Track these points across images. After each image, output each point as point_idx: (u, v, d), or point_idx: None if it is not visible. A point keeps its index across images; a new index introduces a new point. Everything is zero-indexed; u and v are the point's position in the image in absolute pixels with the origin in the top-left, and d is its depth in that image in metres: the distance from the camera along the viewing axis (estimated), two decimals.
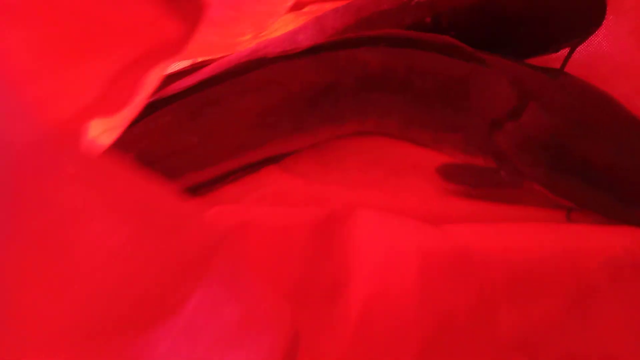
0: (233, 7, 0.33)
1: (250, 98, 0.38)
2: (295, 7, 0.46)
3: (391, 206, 0.37)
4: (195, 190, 0.38)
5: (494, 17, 0.38)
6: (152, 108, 0.37)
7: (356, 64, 0.38)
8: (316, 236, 0.32)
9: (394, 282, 0.30)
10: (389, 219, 0.33)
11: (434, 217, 0.35)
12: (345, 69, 0.38)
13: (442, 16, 0.39)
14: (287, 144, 0.40)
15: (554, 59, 0.41)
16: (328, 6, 0.44)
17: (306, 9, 0.46)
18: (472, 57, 0.36)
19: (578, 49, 0.40)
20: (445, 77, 0.37)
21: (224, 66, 0.39)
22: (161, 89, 0.39)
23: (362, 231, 0.32)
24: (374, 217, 0.33)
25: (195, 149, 0.38)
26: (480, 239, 0.31)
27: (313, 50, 0.37)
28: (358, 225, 0.32)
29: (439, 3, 0.39)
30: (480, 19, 0.39)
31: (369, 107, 0.39)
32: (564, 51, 0.41)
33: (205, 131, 0.38)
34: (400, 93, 0.38)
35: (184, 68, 0.42)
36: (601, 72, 0.39)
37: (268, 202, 0.38)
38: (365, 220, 0.33)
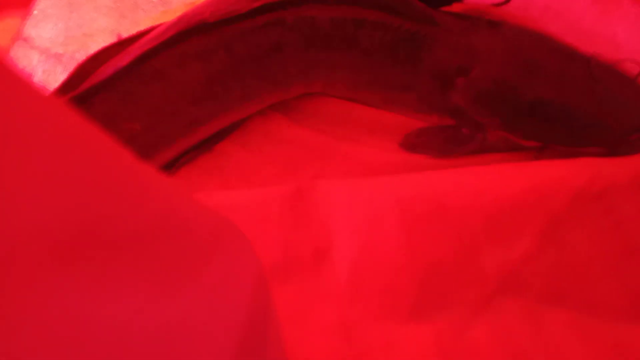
0: None
1: (194, 67, 0.34)
2: None
3: (359, 161, 0.36)
4: None
5: None
6: (79, 101, 0.32)
7: (304, 21, 0.35)
8: (289, 210, 0.31)
9: (378, 237, 0.30)
10: (359, 180, 0.33)
11: (404, 168, 0.35)
12: (293, 27, 0.35)
13: None
14: (237, 113, 0.37)
15: None
16: None
17: None
18: (422, 15, 0.35)
19: None
20: (394, 36, 0.36)
21: (156, 38, 0.34)
22: (85, 77, 0.34)
23: (333, 197, 0.32)
24: (342, 182, 0.33)
25: (139, 137, 0.33)
26: (454, 187, 0.32)
27: (260, 10, 0.34)
28: (327, 193, 0.32)
29: None
30: None
31: (316, 68, 0.37)
32: None
33: (147, 114, 0.33)
34: (348, 51, 0.36)
35: (108, 45, 0.36)
36: (533, 14, 0.41)
37: (233, 183, 0.35)
38: (334, 186, 0.32)
